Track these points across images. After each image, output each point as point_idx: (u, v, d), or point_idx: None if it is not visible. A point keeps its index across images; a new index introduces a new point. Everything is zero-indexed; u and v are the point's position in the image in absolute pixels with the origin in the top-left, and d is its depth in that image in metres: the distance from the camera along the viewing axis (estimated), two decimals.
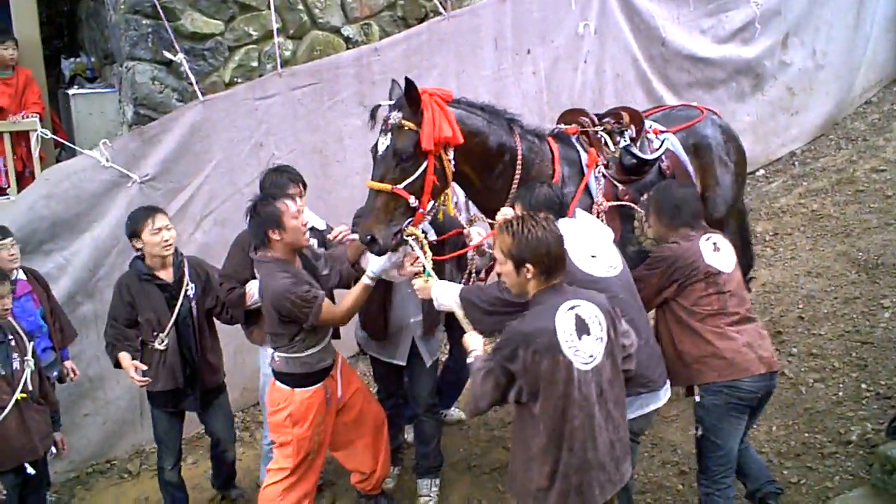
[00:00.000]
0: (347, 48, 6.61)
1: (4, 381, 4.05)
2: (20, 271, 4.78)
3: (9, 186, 5.68)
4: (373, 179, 3.87)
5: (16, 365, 4.10)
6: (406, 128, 3.83)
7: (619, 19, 7.51)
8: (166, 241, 4.40)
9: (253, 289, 4.31)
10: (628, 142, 4.66)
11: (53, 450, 4.41)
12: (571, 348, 3.06)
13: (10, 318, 4.20)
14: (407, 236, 3.95)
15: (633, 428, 3.50)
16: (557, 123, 4.78)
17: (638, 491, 4.74)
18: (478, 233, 4.38)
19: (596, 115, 4.79)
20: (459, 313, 3.72)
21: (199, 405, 4.67)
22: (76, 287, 5.34)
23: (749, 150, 8.26)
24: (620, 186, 4.55)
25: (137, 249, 4.47)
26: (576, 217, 3.96)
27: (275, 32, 6.13)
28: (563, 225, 3.68)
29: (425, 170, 3.86)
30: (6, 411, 4.01)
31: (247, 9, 6.25)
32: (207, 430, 4.93)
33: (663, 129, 4.91)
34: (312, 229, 4.61)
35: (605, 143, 4.62)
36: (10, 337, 4.14)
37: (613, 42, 7.59)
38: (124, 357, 4.43)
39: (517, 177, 4.20)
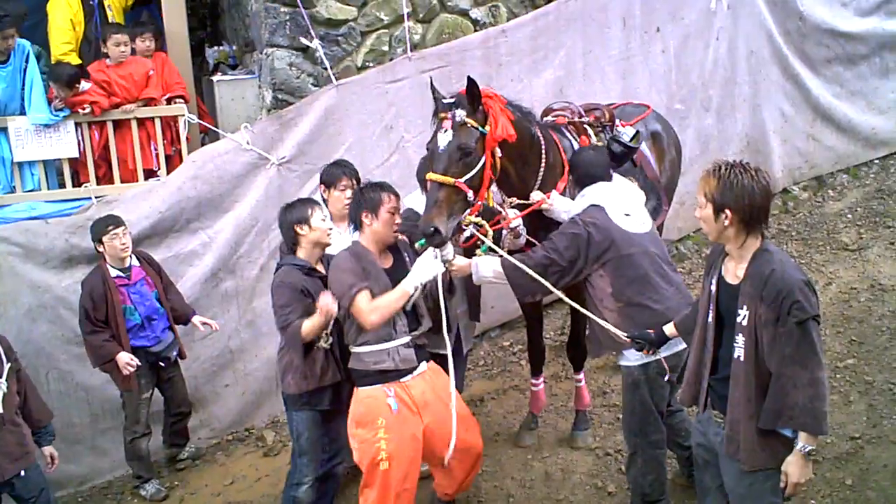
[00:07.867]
0: (475, 30, 6.66)
1: None
2: (133, 257, 5.05)
3: (159, 169, 5.95)
4: (435, 173, 3.98)
5: None
6: (469, 125, 4.02)
7: None
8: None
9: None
10: (612, 133, 4.99)
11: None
12: None
13: None
14: (466, 225, 4.15)
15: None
16: (542, 117, 5.08)
17: None
18: (514, 213, 4.45)
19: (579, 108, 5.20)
20: (498, 282, 4.10)
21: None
22: (219, 264, 5.64)
23: (893, 130, 8.00)
24: None
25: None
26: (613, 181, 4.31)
27: (405, 17, 6.26)
28: (603, 187, 4.19)
29: (483, 165, 4.06)
30: None
31: None
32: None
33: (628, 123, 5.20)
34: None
35: (589, 134, 5.02)
36: None
37: (747, 17, 7.37)
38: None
39: (543, 164, 4.48)
